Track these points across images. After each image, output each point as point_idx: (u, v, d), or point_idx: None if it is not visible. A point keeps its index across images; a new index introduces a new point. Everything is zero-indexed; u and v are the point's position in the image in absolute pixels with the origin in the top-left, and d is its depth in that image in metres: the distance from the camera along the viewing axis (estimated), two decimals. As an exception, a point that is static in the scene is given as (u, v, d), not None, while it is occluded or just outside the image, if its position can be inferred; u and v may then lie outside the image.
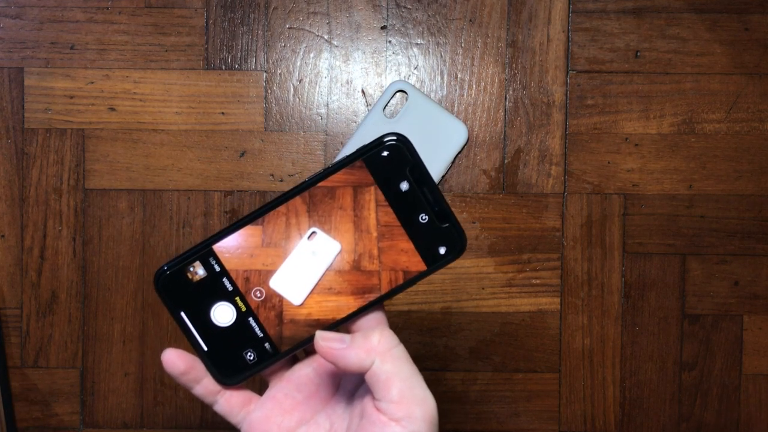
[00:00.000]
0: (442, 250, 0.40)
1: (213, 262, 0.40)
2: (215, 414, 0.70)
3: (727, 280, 0.71)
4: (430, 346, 0.71)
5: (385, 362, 0.36)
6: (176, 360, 0.39)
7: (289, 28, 0.70)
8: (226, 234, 0.40)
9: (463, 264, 0.70)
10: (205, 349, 0.40)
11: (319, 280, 0.40)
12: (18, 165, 0.70)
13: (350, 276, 0.40)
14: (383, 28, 0.70)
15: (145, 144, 0.70)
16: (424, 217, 0.40)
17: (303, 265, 0.40)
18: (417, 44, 0.70)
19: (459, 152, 0.70)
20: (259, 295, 0.40)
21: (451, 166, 0.70)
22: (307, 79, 0.71)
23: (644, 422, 0.71)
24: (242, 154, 0.70)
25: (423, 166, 0.39)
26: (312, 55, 0.71)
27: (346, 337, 0.37)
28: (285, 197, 0.39)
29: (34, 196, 0.70)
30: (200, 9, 0.70)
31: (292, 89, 0.70)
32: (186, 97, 0.70)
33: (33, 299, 0.71)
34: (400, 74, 0.70)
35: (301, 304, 0.40)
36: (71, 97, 0.70)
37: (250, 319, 0.40)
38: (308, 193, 0.39)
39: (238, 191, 0.70)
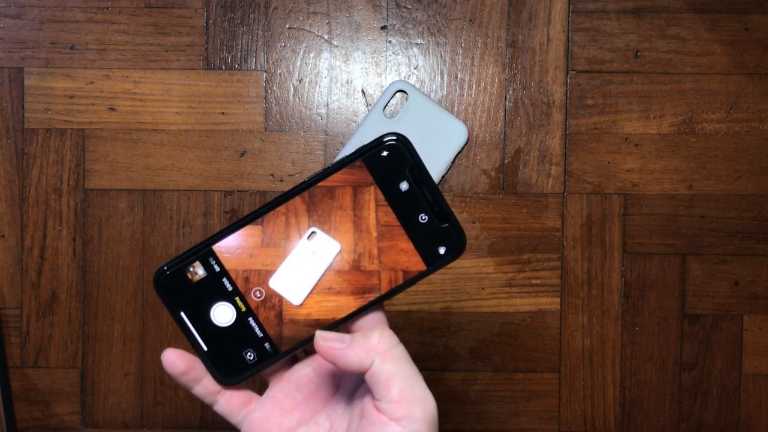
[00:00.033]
0: (442, 250, 0.40)
1: (213, 262, 0.40)
2: (215, 414, 0.70)
3: (727, 280, 0.71)
4: (430, 346, 0.71)
5: (385, 362, 0.36)
6: (176, 360, 0.39)
7: (289, 28, 0.70)
8: (226, 234, 0.40)
9: (463, 264, 0.70)
10: (205, 349, 0.40)
11: (319, 280, 0.40)
12: (18, 165, 0.70)
13: (350, 276, 0.40)
14: (383, 28, 0.70)
15: (145, 144, 0.70)
16: (423, 217, 0.40)
17: (303, 265, 0.40)
18: (417, 44, 0.70)
19: (459, 152, 0.70)
20: (258, 295, 0.40)
21: (451, 166, 0.70)
22: (307, 79, 0.71)
23: (644, 422, 0.71)
24: (242, 154, 0.70)
25: (423, 166, 0.39)
26: (312, 55, 0.71)
27: (345, 337, 0.37)
28: (285, 197, 0.39)
29: (34, 196, 0.70)
30: (200, 9, 0.70)
31: (292, 89, 0.70)
32: (186, 97, 0.70)
33: (33, 299, 0.71)
34: (400, 74, 0.70)
35: (301, 304, 0.40)
36: (71, 97, 0.70)
37: (250, 319, 0.40)
38: (308, 193, 0.39)
39: (238, 191, 0.70)
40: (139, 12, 0.70)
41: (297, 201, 0.39)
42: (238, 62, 0.70)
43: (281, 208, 0.40)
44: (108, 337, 0.71)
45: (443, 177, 0.70)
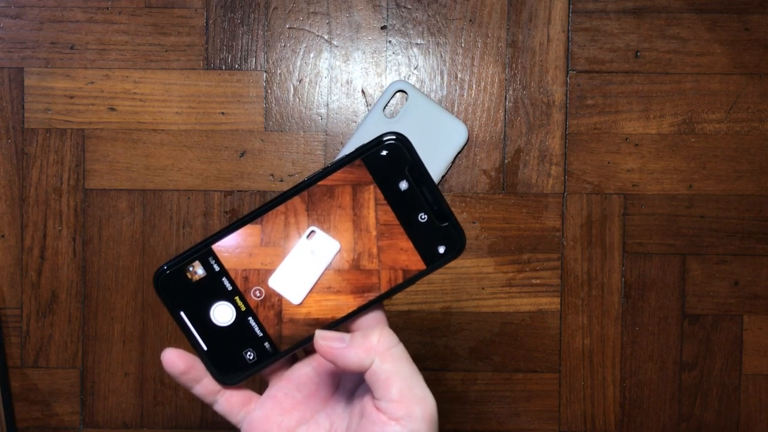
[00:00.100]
0: (442, 250, 0.40)
1: (212, 262, 0.40)
2: (215, 414, 0.70)
3: (727, 280, 0.71)
4: (430, 346, 0.71)
5: (384, 361, 0.36)
6: (176, 360, 0.39)
7: (289, 28, 0.70)
8: (226, 233, 0.40)
9: (463, 264, 0.70)
10: (205, 348, 0.40)
11: (319, 279, 0.40)
12: (18, 165, 0.70)
13: (349, 275, 0.40)
14: (383, 28, 0.70)
15: (145, 144, 0.70)
16: (423, 217, 0.40)
17: (302, 264, 0.40)
18: (417, 44, 0.70)
19: (459, 152, 0.70)
20: (258, 294, 0.40)
21: (451, 166, 0.70)
22: (307, 79, 0.71)
23: (644, 422, 0.71)
24: (242, 154, 0.70)
25: (422, 165, 0.39)
26: (312, 55, 0.71)
27: (345, 336, 0.37)
28: (284, 196, 0.39)
29: (34, 196, 0.70)
30: (200, 9, 0.70)
31: (292, 89, 0.70)
32: (186, 97, 0.70)
33: (33, 299, 0.71)
34: (400, 74, 0.70)
35: (301, 304, 0.40)
36: (71, 97, 0.70)
37: (250, 318, 0.40)
38: (307, 192, 0.39)
39: (238, 191, 0.70)
40: (139, 12, 0.70)
41: (296, 200, 0.39)
42: (238, 62, 0.70)
43: (280, 208, 0.40)
44: (108, 337, 0.71)
45: (443, 177, 0.70)
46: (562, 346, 0.71)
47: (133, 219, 0.70)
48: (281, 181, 0.70)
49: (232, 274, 0.40)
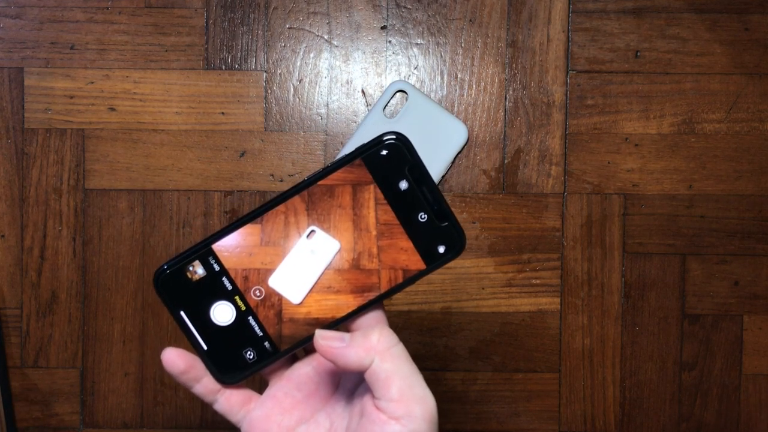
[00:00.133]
0: (442, 249, 0.40)
1: (212, 261, 0.40)
2: (215, 414, 0.70)
3: (727, 280, 0.71)
4: (430, 346, 0.71)
5: (384, 361, 0.36)
6: (176, 359, 0.39)
7: (289, 28, 0.70)
8: (226, 233, 0.40)
9: (463, 264, 0.70)
10: (205, 348, 0.40)
11: (319, 278, 0.40)
12: (18, 165, 0.70)
13: (349, 275, 0.40)
14: (383, 28, 0.70)
15: (145, 144, 0.70)
16: (423, 216, 0.40)
17: (302, 263, 0.40)
18: (417, 44, 0.70)
19: (459, 152, 0.70)
20: (258, 294, 0.40)
21: (451, 166, 0.70)
22: (307, 79, 0.71)
23: (644, 422, 0.71)
24: (242, 154, 0.70)
25: (422, 165, 0.39)
26: (312, 55, 0.71)
27: (345, 335, 0.37)
28: (284, 196, 0.39)
29: (34, 196, 0.70)
30: (200, 9, 0.70)
31: (292, 89, 0.71)
32: (186, 97, 0.70)
33: (33, 299, 0.71)
34: (400, 74, 0.71)
35: (301, 303, 0.40)
36: (71, 97, 0.70)
37: (250, 318, 0.40)
38: (307, 192, 0.39)
39: (238, 191, 0.70)
40: (139, 12, 0.70)
41: (296, 200, 0.39)
42: (238, 62, 0.70)
43: (280, 207, 0.40)
44: (108, 337, 0.71)
45: (443, 177, 0.70)
46: (562, 346, 0.71)
47: (133, 219, 0.70)
48: (281, 181, 0.70)
49: (232, 274, 0.40)
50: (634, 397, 0.71)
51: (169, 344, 0.70)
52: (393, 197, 0.39)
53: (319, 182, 0.39)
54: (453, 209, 0.66)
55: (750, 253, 0.71)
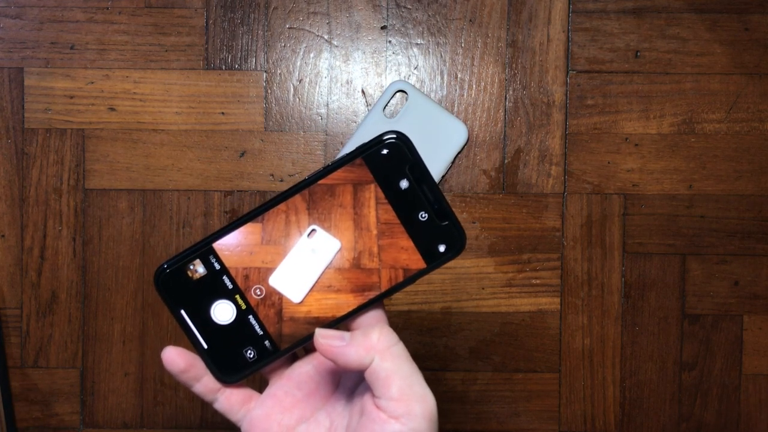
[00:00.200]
0: (442, 248, 0.40)
1: (213, 260, 0.40)
2: (215, 413, 0.70)
3: (727, 280, 0.71)
4: (430, 346, 0.71)
5: (384, 360, 0.36)
6: (176, 358, 0.39)
7: (289, 28, 0.70)
8: (226, 232, 0.40)
9: (463, 264, 0.70)
10: (205, 347, 0.40)
11: (319, 277, 0.40)
12: (18, 165, 0.70)
13: (350, 274, 0.40)
14: (383, 28, 0.71)
15: (145, 144, 0.70)
16: (423, 215, 0.40)
17: (303, 262, 0.40)
18: (417, 44, 0.70)
19: (459, 152, 0.70)
20: (258, 292, 0.40)
21: (451, 166, 0.70)
22: (307, 79, 0.71)
23: (644, 422, 0.71)
24: (242, 154, 0.70)
25: (423, 164, 0.39)
26: (312, 55, 0.71)
27: (345, 334, 0.37)
28: (285, 195, 0.39)
29: (34, 196, 0.70)
30: (200, 9, 0.70)
31: (292, 89, 0.71)
32: (186, 97, 0.70)
33: (33, 299, 0.71)
34: (400, 74, 0.71)
35: (301, 302, 0.40)
36: (71, 97, 0.70)
37: (250, 316, 0.40)
38: (308, 191, 0.39)
39: (238, 191, 0.70)
40: (139, 12, 0.70)
41: (297, 199, 0.39)
42: (238, 62, 0.70)
43: (281, 206, 0.40)
44: (108, 337, 0.71)
45: (443, 177, 0.70)
46: (562, 346, 0.71)
47: (133, 219, 0.70)
48: (281, 181, 0.70)
49: (233, 273, 0.40)
50: (634, 397, 0.71)
51: (170, 344, 0.70)
52: (393, 196, 0.39)
53: (320, 181, 0.39)
54: (453, 209, 0.66)
55: (750, 253, 0.71)
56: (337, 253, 0.40)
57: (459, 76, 0.70)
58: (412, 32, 0.70)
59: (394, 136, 0.39)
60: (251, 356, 0.41)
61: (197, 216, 0.70)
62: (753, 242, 0.71)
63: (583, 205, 0.70)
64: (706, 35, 0.70)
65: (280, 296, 0.40)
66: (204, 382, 0.40)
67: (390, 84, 0.70)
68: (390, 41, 0.71)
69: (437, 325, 0.71)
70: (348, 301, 0.40)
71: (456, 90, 0.70)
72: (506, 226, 0.70)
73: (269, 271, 0.40)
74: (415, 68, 0.70)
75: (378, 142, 0.39)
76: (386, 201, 0.39)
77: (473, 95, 0.70)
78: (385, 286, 0.40)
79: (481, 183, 0.70)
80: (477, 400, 0.71)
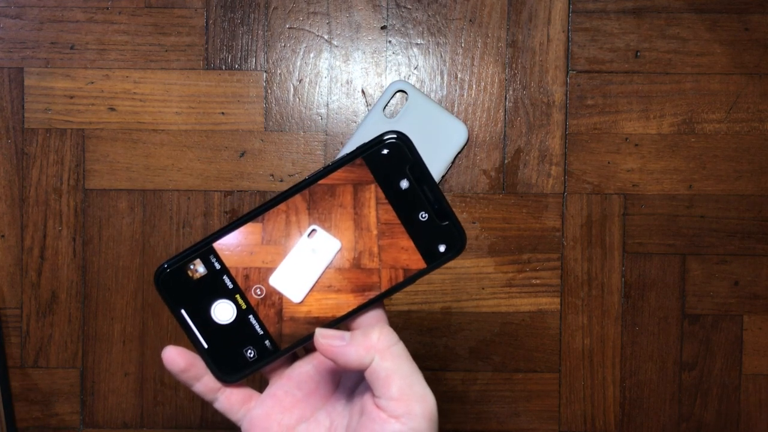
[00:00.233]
0: (442, 248, 0.40)
1: (213, 260, 0.40)
2: (215, 414, 0.70)
3: (727, 280, 0.71)
4: (430, 346, 0.71)
5: (384, 359, 0.36)
6: (176, 357, 0.39)
7: (289, 28, 0.71)
8: (227, 232, 0.40)
9: (463, 264, 0.70)
10: (206, 346, 0.40)
11: (319, 277, 0.40)
12: (18, 165, 0.70)
13: (350, 274, 0.40)
14: (383, 28, 0.71)
15: (145, 144, 0.70)
16: (424, 215, 0.40)
17: (303, 262, 0.40)
18: (417, 44, 0.70)
19: (459, 152, 0.70)
20: (259, 292, 0.40)
21: (451, 166, 0.70)
22: (307, 79, 0.71)
23: (644, 422, 0.71)
24: (242, 154, 0.70)
25: (423, 164, 0.39)
26: (312, 55, 0.71)
27: (345, 334, 0.37)
28: (285, 195, 0.40)
29: (34, 196, 0.70)
30: (200, 9, 0.70)
31: (292, 89, 0.71)
32: (186, 97, 0.70)
33: (33, 299, 0.71)
34: (400, 74, 0.71)
35: (301, 302, 0.40)
36: (71, 97, 0.70)
37: (250, 316, 0.40)
38: (308, 191, 0.39)
39: (238, 191, 0.70)
40: (139, 12, 0.70)
41: (297, 199, 0.40)
42: (238, 62, 0.70)
43: (282, 206, 0.40)
44: (108, 337, 0.71)
45: (443, 177, 0.70)
46: (562, 346, 0.71)
47: (133, 219, 0.70)
48: (281, 181, 0.70)
49: (233, 272, 0.40)
50: (634, 397, 0.71)
51: (170, 344, 0.70)
52: (394, 196, 0.39)
53: (320, 181, 0.39)
54: (453, 209, 0.66)
55: (750, 253, 0.71)
56: (337, 253, 0.40)
57: (459, 76, 0.70)
58: (412, 32, 0.70)
59: (395, 136, 0.39)
60: (251, 356, 0.41)
61: (197, 216, 0.70)
62: (753, 242, 0.71)
63: (583, 205, 0.70)
64: (706, 35, 0.70)
65: (281, 296, 0.40)
66: (204, 382, 0.40)
67: (390, 84, 0.70)
68: (390, 41, 0.71)
69: (437, 325, 0.71)
70: (348, 301, 0.40)
71: (456, 90, 0.70)
72: (506, 226, 0.70)
73: (269, 270, 0.40)
74: (415, 68, 0.70)
75: (378, 142, 0.39)
76: (386, 201, 0.39)
77: (473, 95, 0.70)
78: (385, 286, 0.40)
79: (481, 183, 0.70)
80: (477, 400, 0.71)
